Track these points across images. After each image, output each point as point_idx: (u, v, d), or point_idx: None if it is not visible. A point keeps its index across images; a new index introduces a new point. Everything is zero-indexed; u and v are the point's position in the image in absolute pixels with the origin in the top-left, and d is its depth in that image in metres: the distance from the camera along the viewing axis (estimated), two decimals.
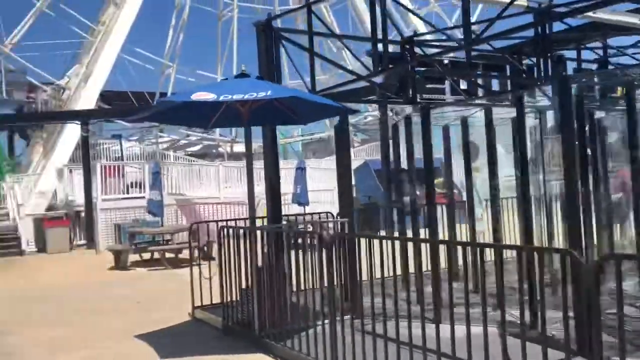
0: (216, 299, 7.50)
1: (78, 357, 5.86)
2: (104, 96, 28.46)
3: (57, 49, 29.27)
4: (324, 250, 5.51)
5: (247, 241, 6.25)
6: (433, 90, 7.66)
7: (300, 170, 15.74)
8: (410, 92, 7.26)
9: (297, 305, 5.68)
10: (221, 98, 4.86)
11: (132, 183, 20.77)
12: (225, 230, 6.57)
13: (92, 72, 25.70)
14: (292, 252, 5.90)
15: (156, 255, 14.12)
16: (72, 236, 18.72)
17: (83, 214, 19.88)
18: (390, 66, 6.86)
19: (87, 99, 24.53)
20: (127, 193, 19.95)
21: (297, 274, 5.77)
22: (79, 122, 19.44)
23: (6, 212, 21.99)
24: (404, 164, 8.50)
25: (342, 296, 5.87)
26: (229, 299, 6.48)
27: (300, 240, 6.17)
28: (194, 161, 26.01)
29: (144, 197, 19.94)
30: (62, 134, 23.37)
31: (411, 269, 6.07)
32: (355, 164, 26.98)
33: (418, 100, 7.36)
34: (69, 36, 28.73)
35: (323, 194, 21.26)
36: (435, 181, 8.20)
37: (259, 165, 22.25)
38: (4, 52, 26.37)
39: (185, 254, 13.45)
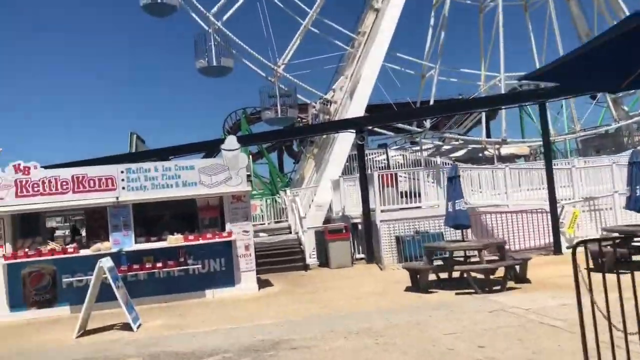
0: None
1: None
2: (370, 110, 28.07)
3: (322, 64, 29.92)
4: None
5: None
6: None
7: (637, 165, 12.17)
8: None
9: None
10: None
11: (401, 193, 19.29)
12: None
13: (357, 82, 25.34)
14: None
15: (454, 273, 12.13)
16: (352, 250, 17.93)
17: (360, 227, 19.11)
18: None
19: (355, 110, 24.08)
20: (400, 203, 18.49)
21: None
22: (354, 131, 18.67)
23: (287, 226, 22.53)
24: None
25: None
26: None
27: None
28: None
29: (419, 207, 18.38)
30: (333, 146, 23.26)
31: None
32: None
33: None
34: (332, 50, 29.19)
35: None
36: None
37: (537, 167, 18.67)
38: (278, 73, 27.73)
39: (497, 273, 11.13)
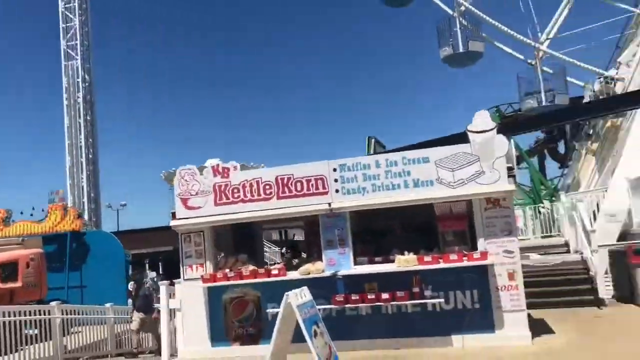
0: None
1: None
2: None
3: (598, 35, 23.54)
4: None
5: None
6: None
7: None
8: None
9: None
10: None
11: None
12: None
13: None
14: None
15: None
16: None
17: None
18: None
19: None
20: None
21: None
22: None
23: (563, 242, 17.09)
24: None
25: None
26: None
27: None
28: None
29: None
30: (628, 133, 17.10)
31: None
32: None
33: None
34: (610, 16, 22.66)
35: None
36: None
37: None
38: (541, 52, 22.34)
39: None
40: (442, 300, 9.10)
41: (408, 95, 77.99)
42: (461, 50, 23.24)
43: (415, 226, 10.19)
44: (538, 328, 9.64)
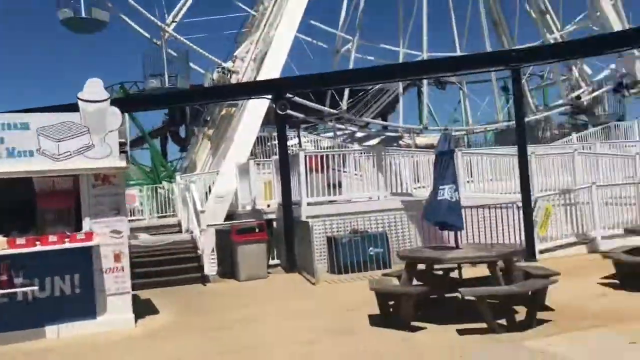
0: None
1: None
2: None
3: (220, 28, 25.07)
4: None
5: None
6: None
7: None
8: None
9: None
10: None
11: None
12: None
13: (267, 48, 20.83)
14: None
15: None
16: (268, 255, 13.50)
17: (275, 224, 14.78)
18: None
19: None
20: (330, 195, 14.32)
21: None
22: (270, 97, 14.17)
23: (176, 222, 17.55)
24: None
25: None
26: None
27: None
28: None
29: (355, 200, 14.38)
30: (239, 122, 18.59)
31: None
32: None
33: None
34: (233, 12, 24.42)
35: None
36: None
37: None
38: (166, 33, 22.41)
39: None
40: (36, 288, 7.98)
41: (24, 58, 68.40)
42: (83, 15, 21.52)
43: (8, 204, 8.68)
44: (144, 309, 9.43)
